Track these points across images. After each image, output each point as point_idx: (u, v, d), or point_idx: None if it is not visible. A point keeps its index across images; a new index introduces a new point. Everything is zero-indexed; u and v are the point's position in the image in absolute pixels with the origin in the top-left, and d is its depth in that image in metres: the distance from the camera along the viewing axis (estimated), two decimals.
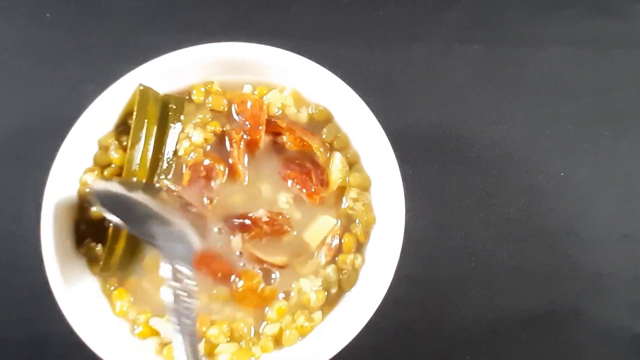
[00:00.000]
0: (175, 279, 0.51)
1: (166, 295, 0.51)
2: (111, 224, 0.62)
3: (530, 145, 0.83)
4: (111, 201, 0.57)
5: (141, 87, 0.66)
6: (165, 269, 0.52)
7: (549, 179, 0.82)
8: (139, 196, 0.59)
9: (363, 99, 0.67)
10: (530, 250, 0.79)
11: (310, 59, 0.68)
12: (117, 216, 0.55)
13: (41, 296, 0.61)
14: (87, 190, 0.64)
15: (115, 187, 0.61)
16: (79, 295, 0.62)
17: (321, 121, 0.71)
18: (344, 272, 0.66)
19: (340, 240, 0.67)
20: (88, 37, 0.82)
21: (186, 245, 0.56)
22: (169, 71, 0.68)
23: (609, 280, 0.79)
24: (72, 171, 0.65)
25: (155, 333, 0.63)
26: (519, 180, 0.81)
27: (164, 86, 0.69)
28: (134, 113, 0.65)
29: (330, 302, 0.66)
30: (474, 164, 0.82)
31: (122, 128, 0.68)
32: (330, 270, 0.66)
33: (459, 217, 0.80)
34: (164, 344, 0.63)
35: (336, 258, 0.67)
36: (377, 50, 0.84)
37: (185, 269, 0.53)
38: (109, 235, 0.63)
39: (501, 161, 0.82)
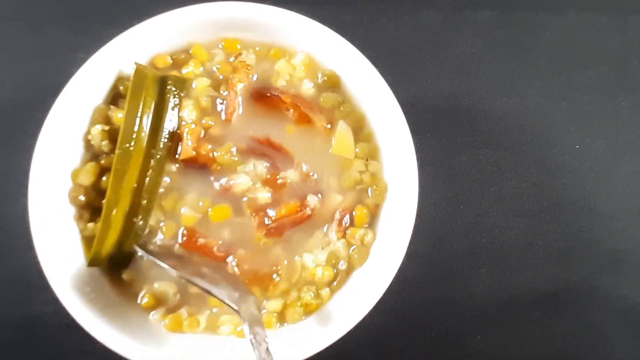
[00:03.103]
0: (256, 341, 0.53)
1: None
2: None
3: (545, 117, 0.79)
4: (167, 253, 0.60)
5: (137, 66, 0.62)
6: (246, 333, 0.54)
7: (564, 152, 0.78)
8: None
9: None
10: (543, 226, 0.76)
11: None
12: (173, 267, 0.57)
13: (33, 276, 0.59)
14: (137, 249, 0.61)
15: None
16: (71, 274, 0.59)
17: (330, 87, 0.67)
18: (353, 247, 0.63)
19: (351, 214, 0.64)
20: (78, 2, 0.78)
21: (255, 308, 0.57)
22: (169, 32, 0.65)
23: (625, 256, 0.76)
24: (59, 144, 0.61)
25: (161, 303, 0.61)
26: (533, 154, 0.78)
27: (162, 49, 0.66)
28: (127, 97, 0.60)
29: (338, 280, 0.63)
30: (485, 136, 0.78)
31: (115, 98, 0.65)
32: (340, 244, 0.63)
33: (470, 192, 0.77)
34: (170, 310, 0.61)
35: (347, 232, 0.64)
36: (384, 15, 0.80)
37: (261, 331, 0.54)
38: (99, 226, 0.59)
39: (514, 134, 0.78)
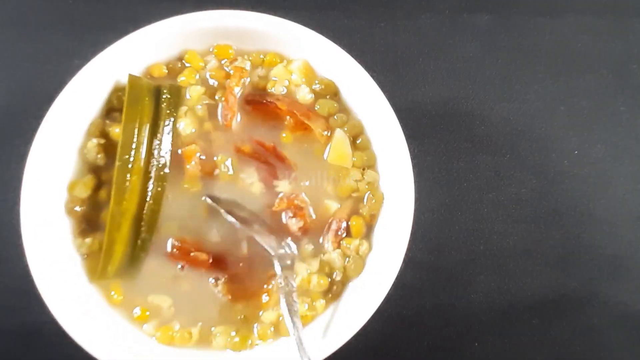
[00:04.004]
0: (286, 283, 0.59)
1: (281, 300, 0.58)
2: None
3: (543, 122, 0.79)
4: (227, 205, 0.63)
5: (131, 78, 0.62)
6: (278, 273, 0.59)
7: (563, 157, 0.78)
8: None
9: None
10: (542, 233, 0.75)
11: (311, 29, 0.63)
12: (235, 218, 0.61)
13: (28, 285, 0.58)
14: (204, 198, 0.63)
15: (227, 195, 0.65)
16: (65, 287, 0.59)
17: (328, 94, 0.67)
18: (348, 258, 0.63)
19: (347, 224, 0.64)
20: (74, 8, 0.77)
21: (288, 253, 0.63)
22: (164, 40, 0.64)
23: (625, 262, 0.75)
24: (53, 153, 0.61)
25: (154, 315, 0.61)
26: (531, 159, 0.77)
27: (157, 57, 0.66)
28: (124, 108, 0.60)
29: (334, 291, 0.63)
30: (483, 142, 0.77)
31: (110, 111, 0.65)
32: (335, 255, 0.63)
33: (468, 198, 0.76)
34: (163, 323, 0.61)
35: (342, 242, 0.63)
36: (382, 20, 0.80)
37: (291, 278, 0.60)
38: (104, 240, 0.59)
39: (512, 139, 0.78)
